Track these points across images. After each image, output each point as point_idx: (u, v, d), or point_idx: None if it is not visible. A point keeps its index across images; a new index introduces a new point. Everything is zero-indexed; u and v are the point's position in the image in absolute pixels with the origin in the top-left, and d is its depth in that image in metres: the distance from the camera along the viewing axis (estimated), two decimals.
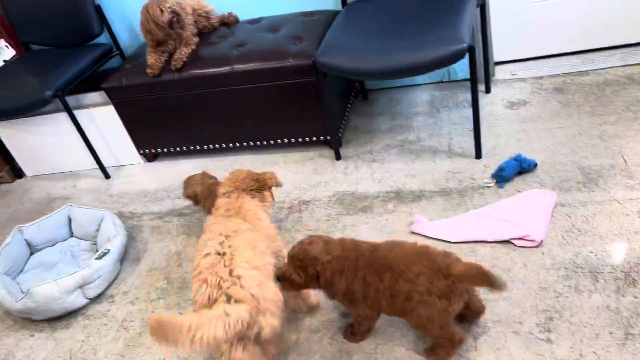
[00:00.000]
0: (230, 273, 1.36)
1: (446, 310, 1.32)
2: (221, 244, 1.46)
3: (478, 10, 2.23)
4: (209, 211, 1.81)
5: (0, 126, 2.73)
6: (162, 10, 2.23)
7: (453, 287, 1.31)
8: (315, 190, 2.21)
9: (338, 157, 2.35)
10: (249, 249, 1.45)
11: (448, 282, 1.30)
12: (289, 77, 2.20)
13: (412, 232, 1.87)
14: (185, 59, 2.34)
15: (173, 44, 2.37)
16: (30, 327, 1.95)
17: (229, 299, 1.31)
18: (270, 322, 1.34)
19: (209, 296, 1.34)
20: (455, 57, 1.85)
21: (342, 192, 2.16)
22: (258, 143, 2.49)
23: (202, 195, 1.96)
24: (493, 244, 1.76)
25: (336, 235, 1.94)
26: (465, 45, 1.83)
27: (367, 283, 1.40)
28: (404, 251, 1.39)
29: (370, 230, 1.94)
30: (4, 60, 2.81)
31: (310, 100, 2.25)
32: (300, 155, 2.45)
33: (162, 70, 2.36)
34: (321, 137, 2.38)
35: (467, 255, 1.74)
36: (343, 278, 1.41)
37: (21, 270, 2.16)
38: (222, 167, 2.51)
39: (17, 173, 2.93)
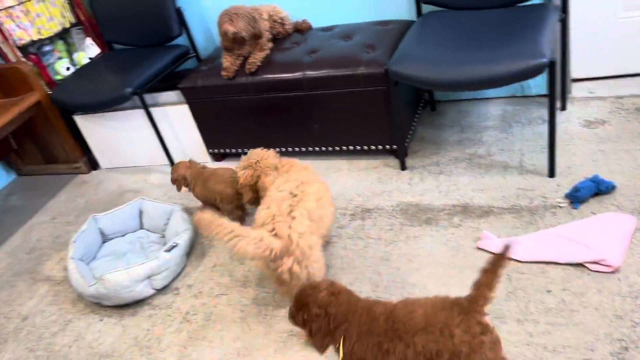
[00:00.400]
0: (289, 212, 1.64)
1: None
2: (297, 187, 1.74)
3: (559, 25, 2.17)
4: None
5: (81, 119, 2.89)
6: (230, 23, 2.31)
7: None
8: (379, 199, 2.21)
9: (403, 167, 2.33)
10: (314, 200, 1.71)
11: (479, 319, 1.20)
12: (360, 84, 2.21)
13: (479, 248, 1.83)
14: (259, 63, 2.40)
15: (248, 48, 2.44)
16: (100, 312, 2.04)
17: (272, 230, 1.59)
18: (293, 268, 1.59)
19: (263, 222, 1.64)
20: (535, 71, 1.80)
21: (406, 203, 2.14)
22: (324, 148, 2.51)
23: (193, 179, 2.27)
24: (565, 266, 1.69)
25: (399, 245, 1.94)
26: (546, 59, 1.78)
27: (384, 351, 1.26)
28: (429, 309, 1.26)
29: (434, 243, 1.91)
30: (90, 58, 2.98)
31: (379, 108, 2.25)
32: (365, 163, 2.45)
33: (236, 74, 2.43)
34: (387, 146, 2.37)
35: (536, 276, 1.68)
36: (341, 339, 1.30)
37: (93, 257, 2.27)
38: None
39: (93, 165, 3.08)
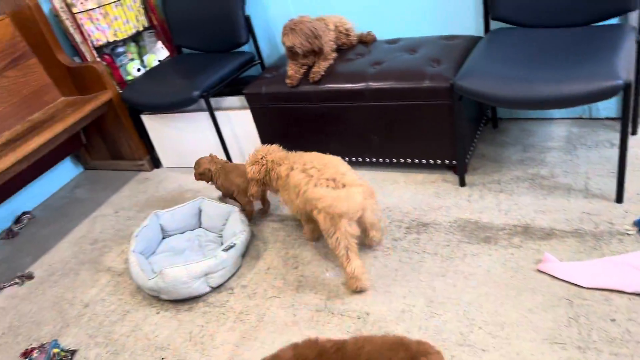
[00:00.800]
0: (336, 172, 1.91)
1: None
2: (317, 163, 1.98)
3: (635, 46, 2.10)
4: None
5: (147, 119, 3.01)
6: (287, 36, 2.37)
7: None
8: (436, 213, 2.19)
9: (462, 183, 2.31)
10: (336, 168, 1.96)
11: None
12: (423, 98, 2.21)
13: (539, 271, 1.79)
14: (323, 73, 2.44)
15: (312, 57, 2.48)
16: (157, 305, 2.11)
17: (343, 186, 1.86)
18: (373, 205, 1.93)
19: (327, 185, 1.87)
20: (608, 93, 1.75)
21: (465, 220, 2.11)
22: (381, 160, 2.52)
23: (217, 173, 2.44)
24: (631, 296, 1.62)
25: (455, 262, 1.91)
26: (621, 81, 1.73)
27: None
28: (377, 347, 1.26)
29: (492, 262, 1.88)
30: (159, 60, 3.10)
31: (441, 123, 2.24)
32: (422, 177, 2.44)
33: (300, 82, 2.48)
34: (446, 161, 2.35)
35: (600, 304, 1.62)
36: None
37: (153, 252, 2.35)
38: None
39: (156, 163, 3.20)
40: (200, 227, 2.46)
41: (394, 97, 2.27)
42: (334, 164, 1.97)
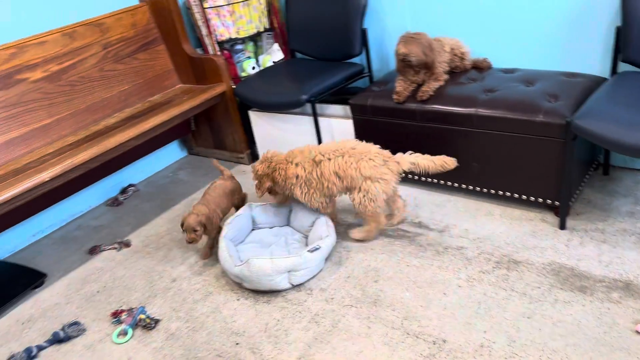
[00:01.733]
0: (366, 150, 2.21)
1: None
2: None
3: None
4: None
5: (254, 115, 3.15)
6: (404, 44, 2.38)
7: None
8: (530, 253, 2.10)
9: (562, 226, 2.20)
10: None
11: None
12: (534, 132, 2.14)
13: (638, 332, 1.66)
14: (432, 93, 2.43)
15: (423, 76, 2.48)
16: (238, 292, 2.20)
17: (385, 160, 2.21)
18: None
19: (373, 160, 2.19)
20: None
21: (560, 264, 2.01)
22: (478, 189, 2.46)
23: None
24: None
25: (544, 306, 1.83)
26: None
27: None
28: None
29: (585, 313, 1.77)
30: (273, 61, 3.24)
31: (549, 160, 2.15)
32: (519, 213, 2.36)
33: (407, 99, 2.48)
34: (548, 201, 2.25)
35: None
36: None
37: (242, 241, 2.45)
38: (431, 202, 2.54)
39: (254, 158, 3.34)
40: (288, 225, 2.53)
41: (503, 127, 2.22)
42: (347, 144, 2.23)
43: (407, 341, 1.80)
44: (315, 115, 2.76)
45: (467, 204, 2.49)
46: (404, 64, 2.44)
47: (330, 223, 2.32)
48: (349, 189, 2.25)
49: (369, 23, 2.97)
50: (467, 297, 1.94)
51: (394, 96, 2.51)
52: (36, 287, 2.43)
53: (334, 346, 1.84)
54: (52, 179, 2.36)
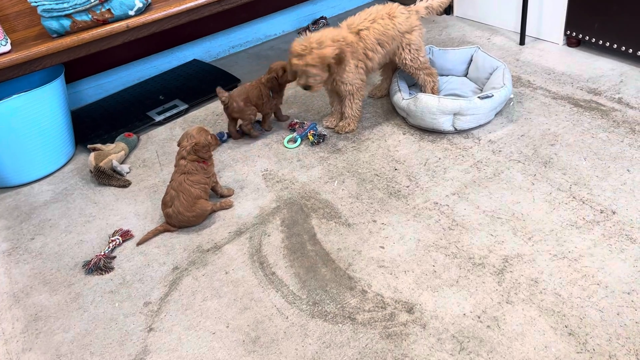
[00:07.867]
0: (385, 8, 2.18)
1: None
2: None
3: None
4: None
5: None
6: None
7: None
8: None
9: None
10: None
11: None
12: None
13: None
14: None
15: None
16: (405, 127, 2.23)
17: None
18: None
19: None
20: None
21: None
22: None
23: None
24: None
25: None
26: None
27: None
28: None
29: None
30: None
31: None
32: None
33: None
34: None
35: None
36: None
37: (414, 84, 2.43)
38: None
39: (447, 9, 3.16)
40: (465, 76, 2.44)
41: None
42: (372, 11, 2.15)
43: (571, 204, 1.71)
44: None
45: None
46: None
47: (509, 76, 2.17)
48: (390, 55, 2.18)
49: None
50: None
51: None
52: (230, 89, 2.73)
53: (490, 191, 1.82)
54: None
